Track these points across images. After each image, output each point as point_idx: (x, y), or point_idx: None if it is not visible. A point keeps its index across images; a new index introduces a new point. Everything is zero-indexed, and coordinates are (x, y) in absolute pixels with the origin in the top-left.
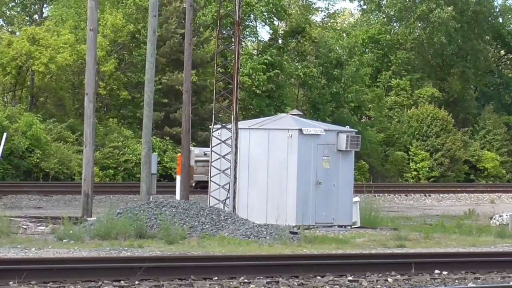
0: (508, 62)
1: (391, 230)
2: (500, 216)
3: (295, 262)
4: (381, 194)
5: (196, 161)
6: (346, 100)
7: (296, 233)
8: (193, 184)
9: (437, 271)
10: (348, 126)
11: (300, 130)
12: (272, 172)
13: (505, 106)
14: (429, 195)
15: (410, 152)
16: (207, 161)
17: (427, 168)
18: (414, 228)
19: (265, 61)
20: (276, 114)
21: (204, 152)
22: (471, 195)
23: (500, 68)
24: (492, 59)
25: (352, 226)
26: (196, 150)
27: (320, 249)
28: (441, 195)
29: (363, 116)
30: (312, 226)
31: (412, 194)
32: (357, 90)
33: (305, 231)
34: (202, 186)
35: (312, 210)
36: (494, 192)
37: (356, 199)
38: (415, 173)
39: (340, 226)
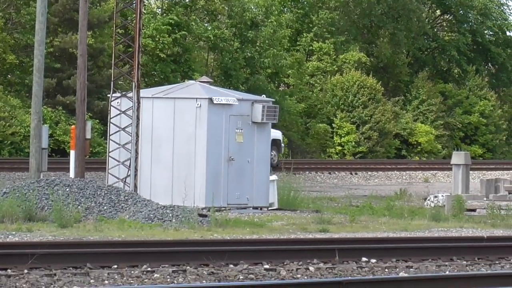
0: (445, 24)
1: (312, 213)
2: (435, 196)
3: (205, 249)
4: (301, 172)
5: None
6: (262, 66)
7: (205, 215)
8: None
9: (364, 259)
10: (264, 95)
11: (210, 100)
12: (179, 146)
13: (441, 72)
14: (356, 173)
15: (334, 124)
16: None
17: (353, 143)
18: (339, 210)
19: (171, 21)
20: (183, 81)
21: None
22: (402, 173)
23: (435, 30)
24: (427, 20)
25: (269, 208)
26: None
27: (232, 234)
28: (369, 173)
29: (281, 84)
30: (223, 208)
31: (336, 172)
32: (274, 54)
33: (215, 214)
34: None
35: (224, 190)
36: (428, 170)
37: (273, 177)
38: (340, 148)
39: (256, 208)
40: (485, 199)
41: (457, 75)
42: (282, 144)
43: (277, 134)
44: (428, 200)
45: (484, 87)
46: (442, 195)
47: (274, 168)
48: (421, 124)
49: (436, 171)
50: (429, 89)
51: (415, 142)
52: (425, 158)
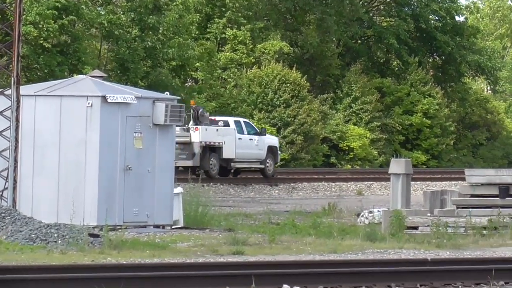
0: (382, 7)
1: (224, 232)
2: (370, 212)
3: (96, 275)
4: (211, 184)
5: None
6: (166, 58)
7: (97, 235)
8: None
9: (286, 286)
10: (168, 93)
11: (104, 98)
12: (66, 154)
13: (378, 65)
14: (276, 185)
15: None
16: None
17: None
18: (256, 229)
19: (57, 4)
20: (72, 76)
21: None
22: (331, 185)
23: (371, 15)
24: (361, 3)
25: (173, 227)
26: None
27: (129, 258)
28: (292, 184)
29: (188, 79)
30: (119, 227)
31: (253, 184)
32: (180, 44)
33: (109, 233)
34: None
35: (120, 205)
36: (362, 181)
37: (179, 190)
38: None
39: (157, 226)
40: (429, 214)
41: (396, 68)
42: (279, 152)
43: (273, 140)
44: (362, 216)
45: (429, 82)
46: (378, 211)
47: (270, 179)
48: (354, 126)
49: (371, 182)
50: (363, 84)
51: (347, 148)
52: (358, 166)
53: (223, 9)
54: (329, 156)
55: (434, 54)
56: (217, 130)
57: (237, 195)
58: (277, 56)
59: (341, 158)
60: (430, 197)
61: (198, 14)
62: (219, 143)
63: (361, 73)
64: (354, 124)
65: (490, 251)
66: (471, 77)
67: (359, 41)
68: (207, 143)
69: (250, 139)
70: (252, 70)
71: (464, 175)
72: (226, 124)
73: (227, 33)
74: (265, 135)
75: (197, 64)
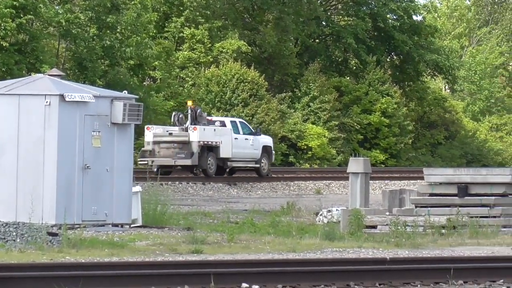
0: (340, 6)
1: (183, 230)
2: (329, 211)
3: (55, 274)
4: (170, 182)
5: (157, 142)
6: (124, 57)
7: (56, 234)
8: (155, 170)
9: (245, 285)
10: (126, 91)
11: (62, 96)
12: (24, 153)
13: (336, 64)
14: (235, 184)
15: None
16: (172, 142)
17: None
18: (215, 228)
19: (14, 3)
20: (30, 75)
21: (168, 131)
22: (290, 184)
23: (329, 14)
24: (319, 2)
25: (132, 225)
26: (158, 129)
27: (88, 256)
28: (251, 183)
29: (147, 78)
30: (78, 225)
31: (211, 182)
32: (138, 42)
33: (68, 232)
34: (166, 172)
35: (78, 204)
36: (320, 180)
37: (137, 188)
38: None
39: (116, 225)
40: (387, 213)
41: (354, 67)
42: (273, 152)
43: (267, 140)
44: (321, 215)
45: (387, 81)
46: (337, 210)
47: (264, 178)
48: (312, 125)
49: (330, 181)
50: (321, 83)
51: (305, 147)
52: (317, 165)
53: (181, 8)
54: (287, 155)
55: (392, 53)
56: (214, 130)
57: (195, 194)
58: (235, 55)
59: (299, 157)
60: (389, 196)
61: (156, 13)
62: (216, 142)
63: (319, 72)
64: (313, 123)
65: (449, 250)
66: (429, 76)
67: (317, 40)
68: (205, 142)
69: (246, 139)
70: (210, 69)
71: (422, 174)
72: (223, 124)
73: (185, 32)
74: (260, 135)
75: (155, 63)
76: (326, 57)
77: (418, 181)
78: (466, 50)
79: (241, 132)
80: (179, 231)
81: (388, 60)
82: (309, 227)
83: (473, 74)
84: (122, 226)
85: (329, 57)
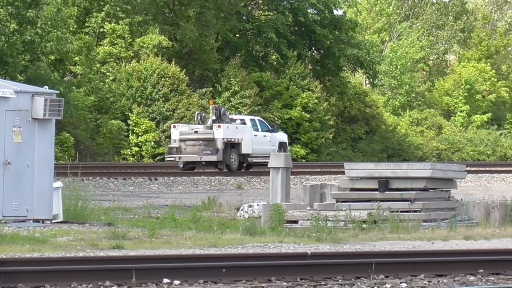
0: (261, 1)
1: (104, 226)
2: (250, 206)
3: None
4: (91, 178)
5: (184, 140)
6: (44, 52)
7: None
8: (181, 165)
9: (166, 280)
10: (46, 87)
11: None
12: None
13: (257, 59)
14: (156, 179)
15: (130, 121)
16: (198, 140)
17: (153, 143)
18: (136, 223)
19: None
20: None
21: (193, 129)
22: (211, 179)
23: (250, 8)
24: None
25: (53, 221)
26: (184, 127)
27: (9, 252)
28: (172, 178)
29: (67, 73)
30: None
31: (132, 178)
32: (58, 37)
33: None
34: (192, 167)
35: None
36: (241, 175)
37: (58, 184)
38: (137, 149)
39: (37, 221)
40: (308, 208)
41: (275, 62)
42: (288, 147)
43: (283, 137)
44: (242, 210)
45: (307, 76)
46: (258, 204)
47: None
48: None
49: (250, 176)
50: (242, 78)
51: None
52: None
53: (102, 3)
54: None
55: (313, 48)
56: (236, 127)
57: (116, 189)
58: (156, 50)
59: None
60: (310, 191)
61: (76, 8)
62: (238, 139)
63: (240, 67)
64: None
65: (370, 245)
66: (350, 71)
67: (238, 35)
68: (229, 139)
69: (264, 136)
70: (131, 64)
71: (343, 169)
72: (243, 122)
73: (105, 27)
74: (277, 132)
75: (76, 58)
76: (247, 52)
77: (339, 176)
78: (386, 45)
79: (259, 129)
80: (100, 226)
81: (309, 54)
82: (230, 222)
83: (393, 69)
84: (43, 222)
85: (249, 52)
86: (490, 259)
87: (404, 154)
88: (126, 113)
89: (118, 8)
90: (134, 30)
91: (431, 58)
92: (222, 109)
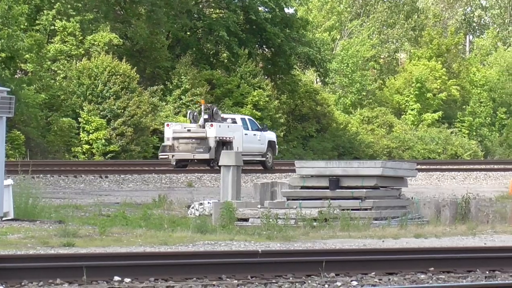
0: None
1: (55, 224)
2: (201, 204)
3: None
4: (41, 175)
5: (177, 138)
6: None
7: None
8: (174, 163)
9: (117, 278)
10: None
11: None
12: None
13: (207, 57)
14: (106, 177)
15: (81, 118)
16: (191, 138)
17: (103, 141)
18: (86, 221)
19: None
20: None
21: (186, 128)
22: (162, 176)
23: (201, 7)
24: None
25: (3, 219)
26: (177, 126)
27: None
28: (122, 176)
29: (18, 71)
30: None
31: (83, 175)
32: (9, 35)
33: None
34: (184, 165)
35: None
36: (192, 173)
37: (9, 182)
38: (88, 147)
39: None
40: (259, 206)
41: (226, 60)
42: (276, 146)
43: (272, 136)
44: (192, 208)
45: (258, 74)
46: (208, 202)
47: (269, 170)
48: (184, 118)
49: (201, 174)
50: (193, 76)
51: None
52: None
53: (53, 1)
54: (159, 148)
55: (264, 46)
56: (228, 126)
57: (67, 187)
58: (106, 48)
59: None
60: (261, 189)
61: (27, 6)
62: (230, 138)
63: (190, 65)
64: (184, 116)
65: (320, 242)
66: (301, 69)
67: (189, 33)
68: (221, 138)
69: (254, 135)
70: (82, 62)
71: (294, 167)
72: (234, 121)
73: (56, 25)
74: (266, 131)
75: (27, 55)
76: (198, 49)
77: (290, 174)
78: (337, 43)
79: (250, 128)
80: (51, 224)
81: (260, 52)
82: (181, 220)
83: (344, 67)
84: None
85: (200, 49)
86: (440, 257)
87: (355, 152)
88: (77, 110)
89: (69, 6)
90: (85, 28)
91: (382, 57)
92: (215, 109)
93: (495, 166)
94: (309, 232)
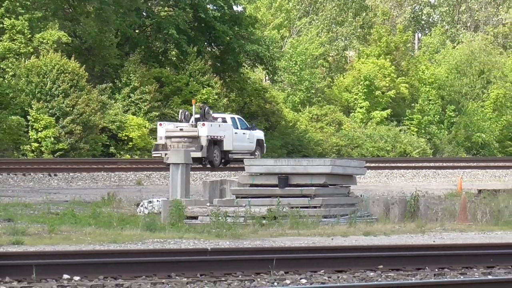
0: None
1: (4, 222)
2: (150, 202)
3: None
4: None
5: (169, 137)
6: None
7: None
8: (167, 161)
9: (66, 276)
10: None
11: None
12: None
13: (156, 55)
14: (55, 175)
15: (30, 117)
16: (183, 137)
17: (52, 139)
18: (35, 219)
19: None
20: None
21: (178, 127)
22: (111, 174)
23: (150, 5)
24: None
25: None
26: (169, 125)
27: None
28: (71, 174)
29: None
30: None
31: (32, 173)
32: None
33: None
34: None
35: None
36: (141, 170)
37: None
38: (36, 145)
39: None
40: (208, 204)
41: (175, 58)
42: (265, 144)
43: (260, 134)
44: (142, 206)
45: (207, 72)
46: (157, 200)
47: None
48: (133, 116)
49: (150, 172)
50: (142, 74)
51: (126, 138)
52: (138, 156)
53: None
54: (108, 146)
55: (213, 44)
56: (219, 125)
57: (16, 185)
58: (55, 46)
59: (120, 148)
60: (210, 187)
61: None
62: (220, 137)
63: (139, 63)
64: (133, 114)
65: (270, 240)
66: (249, 67)
67: (138, 31)
68: (212, 137)
69: (243, 133)
70: (31, 60)
71: (243, 164)
72: (224, 120)
73: (5, 23)
74: (255, 130)
75: None
76: (147, 47)
77: (239, 172)
78: (286, 41)
79: (239, 127)
80: (0, 222)
81: (209, 50)
82: (130, 218)
83: (293, 65)
84: None
85: (149, 47)
86: (389, 255)
87: (304, 150)
88: (26, 108)
89: (18, 4)
90: (33, 26)
91: (331, 54)
92: (206, 108)
93: (444, 164)
94: (258, 230)
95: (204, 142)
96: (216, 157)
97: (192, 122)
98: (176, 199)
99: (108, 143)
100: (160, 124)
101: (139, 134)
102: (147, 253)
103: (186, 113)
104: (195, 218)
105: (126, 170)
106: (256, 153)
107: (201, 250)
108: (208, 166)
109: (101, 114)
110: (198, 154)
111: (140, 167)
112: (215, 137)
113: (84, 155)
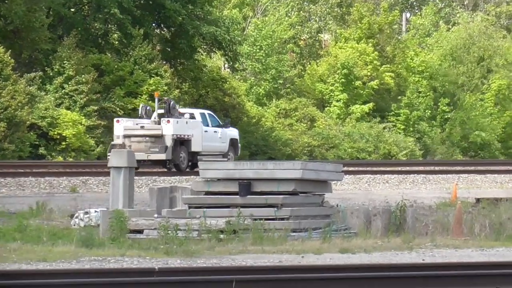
0: None
1: None
2: (86, 213)
3: None
4: None
5: (128, 136)
6: None
7: None
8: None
9: None
10: None
11: None
12: None
13: (95, 38)
14: None
15: None
16: (145, 136)
17: None
18: None
19: None
20: None
21: (139, 124)
22: (40, 180)
23: None
24: None
25: None
26: (128, 122)
27: None
28: None
29: None
30: None
31: None
32: None
33: None
34: (136, 167)
35: None
36: (77, 175)
37: None
38: None
39: None
40: (156, 216)
41: (117, 42)
42: (239, 145)
43: (234, 133)
44: (76, 218)
45: (156, 59)
46: (95, 211)
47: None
48: (67, 111)
49: (87, 177)
50: (78, 61)
51: (58, 136)
52: (72, 158)
53: None
54: (37, 146)
55: (163, 26)
56: (186, 122)
57: None
58: None
59: (51, 149)
60: (158, 195)
61: None
62: (188, 136)
63: (75, 47)
64: (67, 108)
65: (229, 258)
66: (206, 53)
67: (73, 10)
68: (178, 136)
69: (215, 132)
70: None
71: (197, 168)
72: (192, 116)
73: None
74: (228, 127)
75: None
76: (84, 29)
77: (193, 177)
78: (249, 22)
79: (210, 124)
80: None
81: (157, 33)
82: (63, 232)
83: (258, 50)
84: None
85: (87, 29)
86: (370, 275)
87: (269, 152)
88: None
89: None
90: None
91: (302, 38)
92: (172, 102)
93: (436, 168)
94: (215, 246)
95: (169, 142)
96: (182, 159)
97: (155, 118)
98: (117, 209)
99: (37, 142)
100: (117, 121)
101: (74, 133)
102: (82, 273)
103: (148, 108)
104: (140, 232)
105: (58, 175)
106: (229, 155)
107: (147, 270)
108: (174, 170)
109: (29, 109)
110: (162, 156)
111: (75, 172)
112: (182, 136)
113: (8, 157)
